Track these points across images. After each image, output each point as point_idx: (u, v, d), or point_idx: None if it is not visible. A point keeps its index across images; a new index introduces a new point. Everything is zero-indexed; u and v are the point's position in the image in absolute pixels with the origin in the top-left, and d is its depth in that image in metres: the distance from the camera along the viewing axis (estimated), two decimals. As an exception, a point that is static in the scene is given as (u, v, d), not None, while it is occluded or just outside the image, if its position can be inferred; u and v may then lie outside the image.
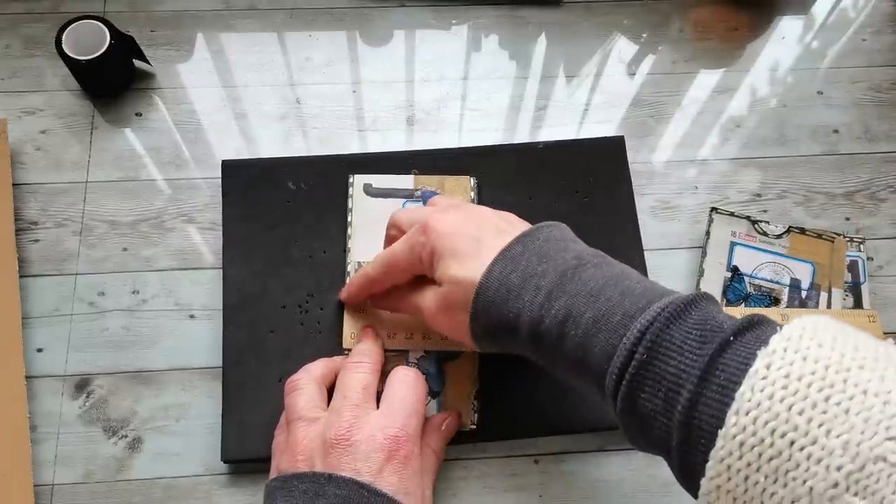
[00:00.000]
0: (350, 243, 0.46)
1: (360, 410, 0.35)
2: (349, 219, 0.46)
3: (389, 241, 0.42)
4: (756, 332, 0.27)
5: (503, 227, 0.37)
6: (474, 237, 0.36)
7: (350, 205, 0.46)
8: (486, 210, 0.39)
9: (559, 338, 0.32)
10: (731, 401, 0.25)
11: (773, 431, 0.24)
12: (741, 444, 0.25)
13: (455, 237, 0.36)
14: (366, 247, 0.45)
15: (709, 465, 0.26)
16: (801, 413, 0.24)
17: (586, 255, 0.34)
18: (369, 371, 0.38)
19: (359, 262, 0.45)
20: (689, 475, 0.28)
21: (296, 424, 0.36)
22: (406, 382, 0.38)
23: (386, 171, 0.48)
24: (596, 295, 0.32)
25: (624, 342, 0.29)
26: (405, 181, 0.47)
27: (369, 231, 0.46)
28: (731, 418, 0.25)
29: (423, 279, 0.39)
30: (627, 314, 0.30)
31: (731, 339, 0.27)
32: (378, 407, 0.37)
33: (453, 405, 0.42)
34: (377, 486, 0.32)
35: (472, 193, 0.47)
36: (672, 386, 0.28)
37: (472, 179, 0.47)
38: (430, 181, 0.47)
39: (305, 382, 0.38)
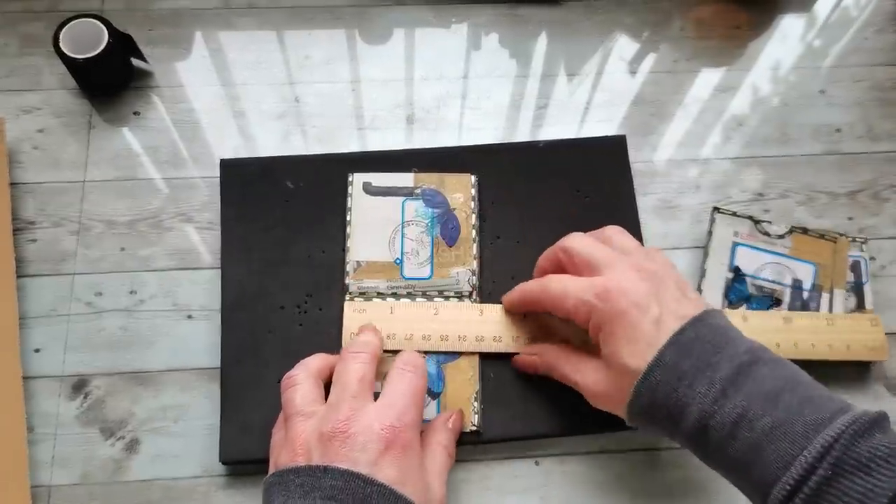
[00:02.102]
0: (349, 242, 0.45)
1: (358, 402, 0.35)
2: (348, 218, 0.46)
3: (551, 261, 0.41)
4: None
5: (677, 296, 0.36)
6: (655, 319, 0.35)
7: (349, 203, 0.46)
8: (666, 270, 0.38)
9: (729, 437, 0.32)
10: None
11: None
12: None
13: (634, 316, 0.35)
14: (365, 246, 0.45)
15: None
16: None
17: (757, 350, 0.34)
18: (367, 361, 0.37)
19: (358, 262, 0.45)
20: None
21: (293, 419, 0.35)
22: (406, 372, 0.37)
23: (386, 169, 0.47)
24: (774, 400, 0.32)
25: (805, 455, 0.29)
26: (405, 179, 0.47)
27: (369, 230, 0.45)
28: None
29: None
30: (809, 426, 0.30)
31: None
32: (377, 398, 0.36)
33: (454, 407, 0.42)
34: (374, 477, 0.32)
35: (473, 191, 0.47)
36: None
37: (472, 177, 0.47)
38: (430, 179, 0.47)
39: (302, 378, 0.37)
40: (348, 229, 0.46)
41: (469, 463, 0.43)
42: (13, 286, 0.45)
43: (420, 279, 0.44)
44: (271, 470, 0.35)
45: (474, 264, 0.45)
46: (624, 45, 0.56)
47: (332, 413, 0.35)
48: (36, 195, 0.49)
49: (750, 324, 0.44)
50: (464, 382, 0.42)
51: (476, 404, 0.42)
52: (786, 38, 0.56)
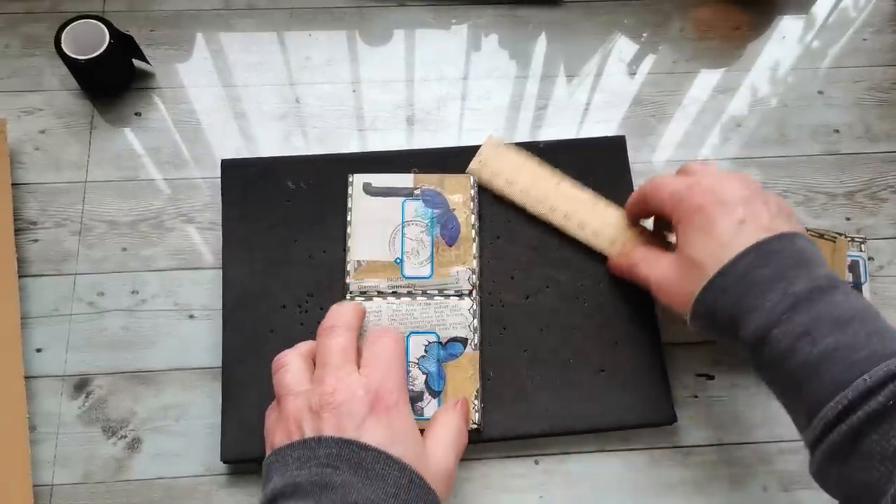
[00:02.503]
0: (350, 242, 0.46)
1: (342, 372, 0.35)
2: (349, 218, 0.46)
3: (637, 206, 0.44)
4: None
5: (773, 212, 0.36)
6: (738, 221, 0.35)
7: (349, 204, 0.46)
8: (771, 193, 0.38)
9: (789, 350, 0.32)
10: None
11: None
12: None
13: (714, 212, 0.36)
14: (365, 245, 0.45)
15: None
16: None
17: (836, 278, 0.34)
18: (343, 334, 0.37)
19: (358, 261, 0.45)
20: None
21: (285, 400, 0.35)
22: (381, 338, 0.37)
23: (386, 170, 0.47)
24: (843, 325, 0.31)
25: (865, 378, 0.29)
26: (405, 180, 0.47)
27: (369, 230, 0.46)
28: None
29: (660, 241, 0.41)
30: (875, 353, 0.30)
31: None
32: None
33: None
34: (363, 441, 0.32)
35: (472, 191, 0.47)
36: None
37: (471, 178, 0.47)
38: (430, 180, 0.47)
39: (291, 358, 0.37)
40: (349, 229, 0.46)
41: (468, 461, 0.44)
42: (15, 286, 0.45)
43: (420, 278, 0.45)
44: (268, 451, 0.36)
45: (474, 263, 0.45)
46: (623, 47, 0.56)
47: (318, 387, 0.35)
48: (38, 196, 0.49)
49: None
50: (464, 381, 0.43)
51: (476, 402, 0.42)
52: (784, 39, 0.57)
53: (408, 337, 0.43)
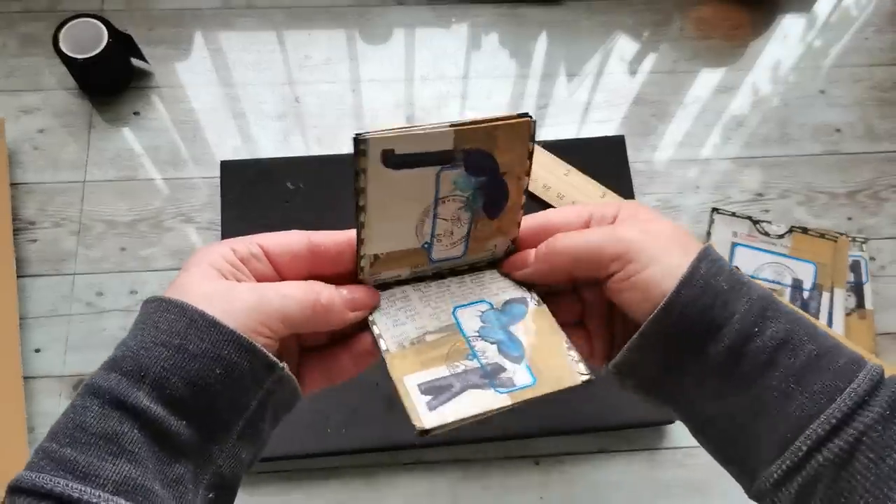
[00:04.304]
0: (364, 233, 0.32)
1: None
2: (361, 202, 0.32)
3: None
4: None
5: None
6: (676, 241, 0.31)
7: (362, 182, 0.31)
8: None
9: (768, 364, 0.29)
10: None
11: None
12: None
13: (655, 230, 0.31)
14: (385, 235, 0.32)
15: None
16: None
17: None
18: (237, 245, 0.31)
19: (375, 255, 0.33)
20: None
21: None
22: None
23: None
24: (813, 330, 0.29)
25: (854, 387, 0.27)
26: (441, 140, 0.31)
27: (390, 215, 0.32)
28: None
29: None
30: (853, 360, 0.28)
31: None
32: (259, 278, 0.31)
33: (548, 370, 0.32)
34: (167, 296, 0.28)
35: (531, 144, 0.32)
36: None
37: (532, 123, 0.31)
38: (476, 136, 0.31)
39: None
40: (362, 217, 0.31)
41: (468, 462, 0.43)
42: (14, 286, 0.45)
43: (450, 259, 0.35)
44: None
45: (516, 231, 0.35)
46: (624, 46, 0.55)
47: None
48: (36, 195, 0.49)
49: None
50: (546, 335, 0.34)
51: (573, 353, 0.32)
52: (786, 38, 0.56)
53: (454, 312, 0.35)
